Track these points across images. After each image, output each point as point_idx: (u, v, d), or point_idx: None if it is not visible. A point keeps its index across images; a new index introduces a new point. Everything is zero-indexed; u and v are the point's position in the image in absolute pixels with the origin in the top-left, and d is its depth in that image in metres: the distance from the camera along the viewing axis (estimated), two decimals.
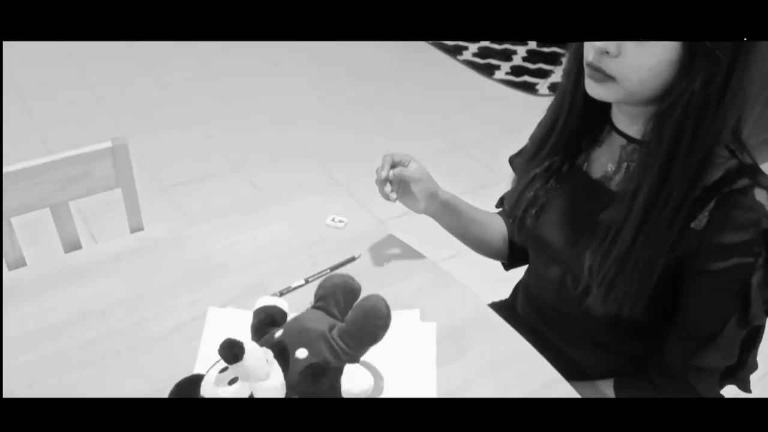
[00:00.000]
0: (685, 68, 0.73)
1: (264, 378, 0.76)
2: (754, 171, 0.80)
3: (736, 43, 0.71)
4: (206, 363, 0.88)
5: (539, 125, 0.98)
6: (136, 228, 1.25)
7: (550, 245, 0.97)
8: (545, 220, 0.97)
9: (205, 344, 0.91)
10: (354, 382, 0.77)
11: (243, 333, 0.92)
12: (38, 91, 3.01)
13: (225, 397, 0.74)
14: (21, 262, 1.16)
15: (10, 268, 1.14)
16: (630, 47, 0.74)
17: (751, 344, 0.88)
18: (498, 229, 1.12)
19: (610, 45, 0.75)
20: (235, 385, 0.74)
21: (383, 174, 0.97)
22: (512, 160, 1.10)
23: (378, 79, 3.36)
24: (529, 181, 0.97)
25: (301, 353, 0.80)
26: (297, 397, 0.79)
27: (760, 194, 0.78)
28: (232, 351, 0.72)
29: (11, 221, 1.13)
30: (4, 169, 1.09)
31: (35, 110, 2.87)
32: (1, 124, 2.57)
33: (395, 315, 0.85)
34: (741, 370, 0.90)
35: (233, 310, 0.96)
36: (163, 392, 0.81)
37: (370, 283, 0.99)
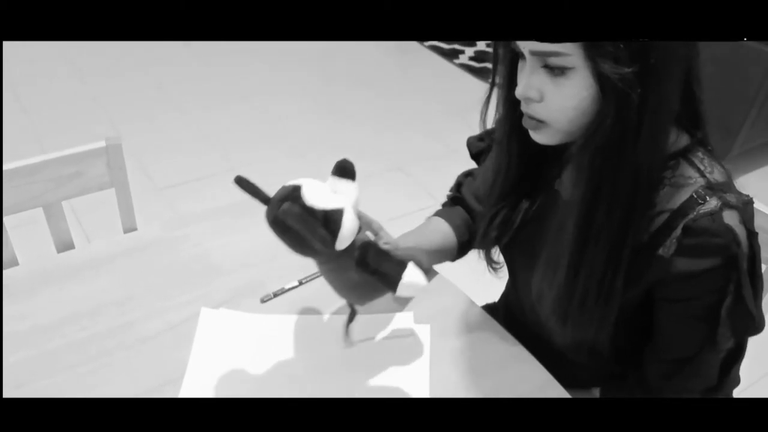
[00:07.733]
0: (601, 104, 0.71)
1: (353, 213, 0.79)
2: (722, 190, 0.75)
3: (642, 78, 0.68)
4: (199, 364, 0.88)
5: (489, 170, 0.94)
6: (130, 228, 1.24)
7: (523, 273, 0.96)
8: (516, 250, 0.94)
9: (197, 345, 0.91)
10: (417, 275, 0.79)
11: (236, 335, 0.92)
12: (33, 89, 3.00)
13: (324, 204, 0.78)
14: (13, 262, 1.15)
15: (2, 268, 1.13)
16: (550, 90, 0.73)
17: (730, 367, 0.85)
18: (451, 241, 1.07)
19: (531, 91, 0.74)
20: (334, 195, 0.79)
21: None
22: (470, 143, 1.06)
23: (374, 82, 3.36)
24: (497, 210, 0.93)
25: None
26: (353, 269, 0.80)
27: (730, 216, 0.74)
28: (352, 168, 0.82)
29: (3, 220, 1.13)
30: None
31: (30, 108, 2.86)
32: None
33: (389, 318, 0.85)
34: (720, 391, 0.88)
35: (226, 311, 0.96)
36: (155, 393, 0.80)
37: None
